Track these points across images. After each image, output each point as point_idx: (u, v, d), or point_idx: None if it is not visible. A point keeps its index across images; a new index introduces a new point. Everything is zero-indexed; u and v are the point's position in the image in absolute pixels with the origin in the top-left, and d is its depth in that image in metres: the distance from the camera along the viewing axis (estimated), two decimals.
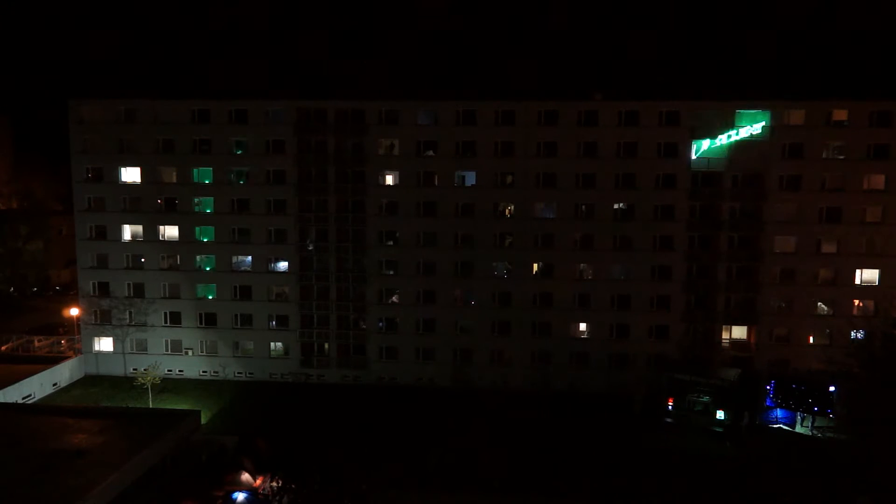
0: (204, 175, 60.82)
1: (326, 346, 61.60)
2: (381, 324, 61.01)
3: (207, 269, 61.55)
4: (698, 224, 57.62)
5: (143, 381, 52.70)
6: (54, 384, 57.88)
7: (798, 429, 49.76)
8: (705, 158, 56.81)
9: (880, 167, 56.20)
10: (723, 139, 56.19)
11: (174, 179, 61.15)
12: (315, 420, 51.42)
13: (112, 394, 56.81)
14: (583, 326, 59.90)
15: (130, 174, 61.44)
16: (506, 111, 58.28)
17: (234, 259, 61.31)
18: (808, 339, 57.87)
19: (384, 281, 60.48)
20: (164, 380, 57.46)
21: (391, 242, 60.23)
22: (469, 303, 60.22)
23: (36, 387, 55.49)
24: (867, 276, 57.23)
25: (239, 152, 60.26)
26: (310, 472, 35.75)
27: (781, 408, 50.71)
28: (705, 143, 56.49)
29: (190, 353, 61.99)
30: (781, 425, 50.38)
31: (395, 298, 60.86)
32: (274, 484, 36.26)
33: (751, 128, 55.84)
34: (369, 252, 60.01)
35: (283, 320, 61.38)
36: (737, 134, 55.91)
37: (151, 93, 66.03)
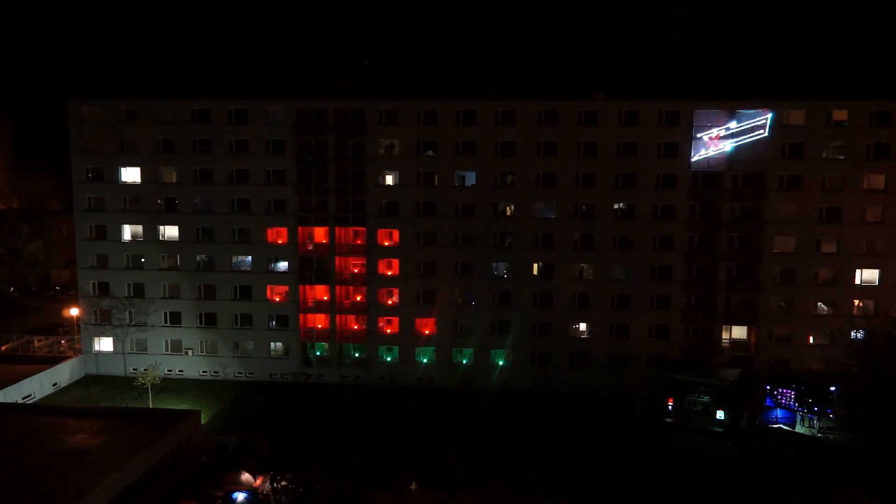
0: None
1: (326, 345, 61.67)
2: (381, 323, 61.08)
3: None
4: (698, 224, 57.62)
5: (143, 381, 52.69)
6: (54, 384, 57.89)
7: (798, 429, 49.71)
8: (705, 158, 56.89)
9: (880, 167, 56.20)
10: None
11: (174, 179, 61.16)
12: (315, 420, 51.40)
13: (112, 394, 56.81)
14: (583, 326, 59.90)
15: (130, 174, 61.45)
16: (506, 111, 58.26)
17: (234, 259, 61.32)
18: (808, 339, 57.85)
19: (384, 280, 60.52)
20: (164, 380, 57.47)
21: (391, 242, 60.23)
22: (469, 303, 60.26)
23: (36, 387, 55.51)
24: (867, 276, 57.23)
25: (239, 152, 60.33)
26: (310, 471, 35.73)
27: (781, 408, 50.71)
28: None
29: (190, 353, 61.99)
30: (781, 425, 50.34)
31: (395, 298, 60.89)
32: (274, 484, 36.23)
33: (751, 128, 55.84)
34: (369, 251, 60.04)
35: (283, 320, 61.42)
36: (737, 134, 55.89)
37: (151, 93, 66.06)
